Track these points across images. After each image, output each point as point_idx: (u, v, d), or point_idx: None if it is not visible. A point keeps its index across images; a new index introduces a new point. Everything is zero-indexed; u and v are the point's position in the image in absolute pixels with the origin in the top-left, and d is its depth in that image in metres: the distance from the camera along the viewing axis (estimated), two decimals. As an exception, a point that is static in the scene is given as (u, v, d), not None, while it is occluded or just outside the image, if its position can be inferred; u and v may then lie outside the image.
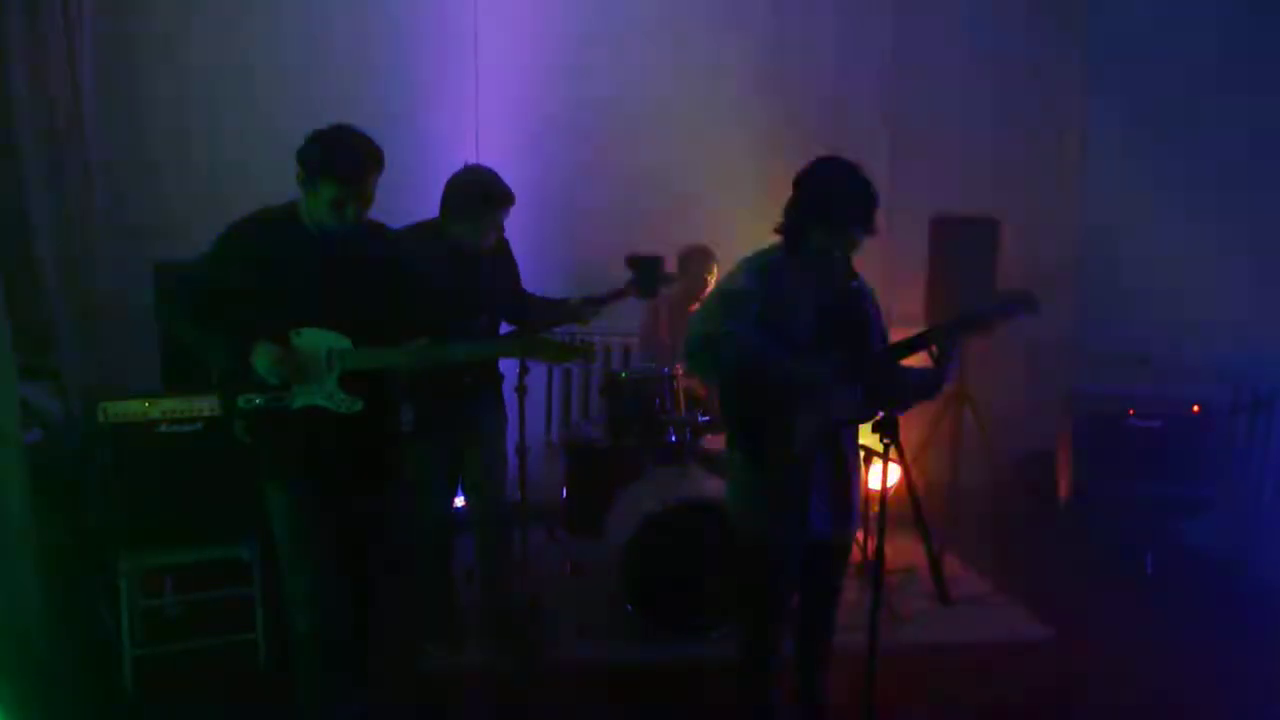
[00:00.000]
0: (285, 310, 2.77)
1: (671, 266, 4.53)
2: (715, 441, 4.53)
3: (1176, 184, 5.18)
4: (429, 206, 3.62)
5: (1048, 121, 5.79)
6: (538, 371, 4.67)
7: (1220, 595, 4.58)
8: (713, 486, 4.03)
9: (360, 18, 5.07)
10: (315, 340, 2.79)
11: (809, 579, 3.03)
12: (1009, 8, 5.68)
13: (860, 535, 4.22)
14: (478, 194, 3.53)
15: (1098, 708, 3.69)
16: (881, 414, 2.65)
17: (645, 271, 3.99)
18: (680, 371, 4.36)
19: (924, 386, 2.89)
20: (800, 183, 2.83)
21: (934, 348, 2.85)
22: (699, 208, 5.25)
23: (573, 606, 4.33)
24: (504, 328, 3.82)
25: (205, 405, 3.64)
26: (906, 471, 2.61)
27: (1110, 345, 5.40)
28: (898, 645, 3.86)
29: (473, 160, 3.86)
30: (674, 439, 4.36)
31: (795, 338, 2.77)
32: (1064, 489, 5.28)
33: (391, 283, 2.90)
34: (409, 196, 3.55)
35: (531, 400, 4.25)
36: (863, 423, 2.86)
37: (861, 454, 3.09)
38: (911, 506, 2.53)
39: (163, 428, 3.65)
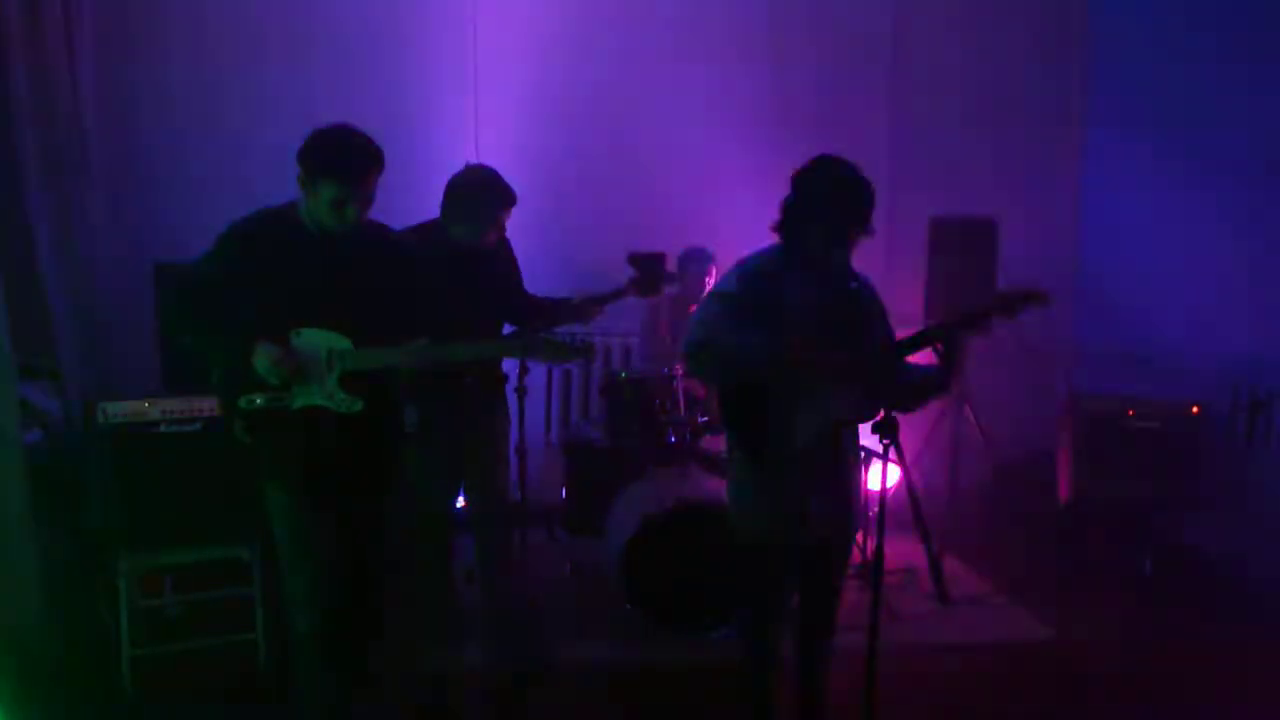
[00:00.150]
0: (285, 310, 2.76)
1: (671, 267, 4.53)
2: (715, 441, 4.54)
3: (1177, 184, 5.18)
4: (427, 207, 3.61)
5: (1048, 122, 5.79)
6: (538, 371, 4.67)
7: (1220, 595, 4.58)
8: (713, 486, 4.03)
9: (360, 16, 5.07)
10: (315, 340, 2.78)
11: (809, 579, 3.03)
12: (1010, 8, 5.69)
13: (860, 536, 4.22)
14: (479, 194, 3.53)
15: (1098, 708, 3.69)
16: (883, 413, 2.65)
17: (647, 269, 3.99)
18: (680, 371, 4.36)
19: (931, 383, 2.88)
20: (798, 182, 2.83)
21: (940, 344, 2.84)
22: (699, 208, 5.25)
23: (573, 606, 4.33)
24: (506, 329, 3.81)
25: (205, 405, 3.64)
26: (906, 472, 2.61)
27: (1110, 345, 5.41)
28: (898, 645, 3.85)
29: (473, 161, 3.86)
30: (674, 439, 4.36)
31: (790, 338, 2.77)
32: (1064, 489, 5.28)
33: (391, 283, 2.90)
34: (408, 197, 3.55)
35: (531, 400, 4.25)
36: (863, 422, 2.86)
37: (861, 454, 3.09)
38: (911, 507, 2.54)
39: (162, 428, 3.64)
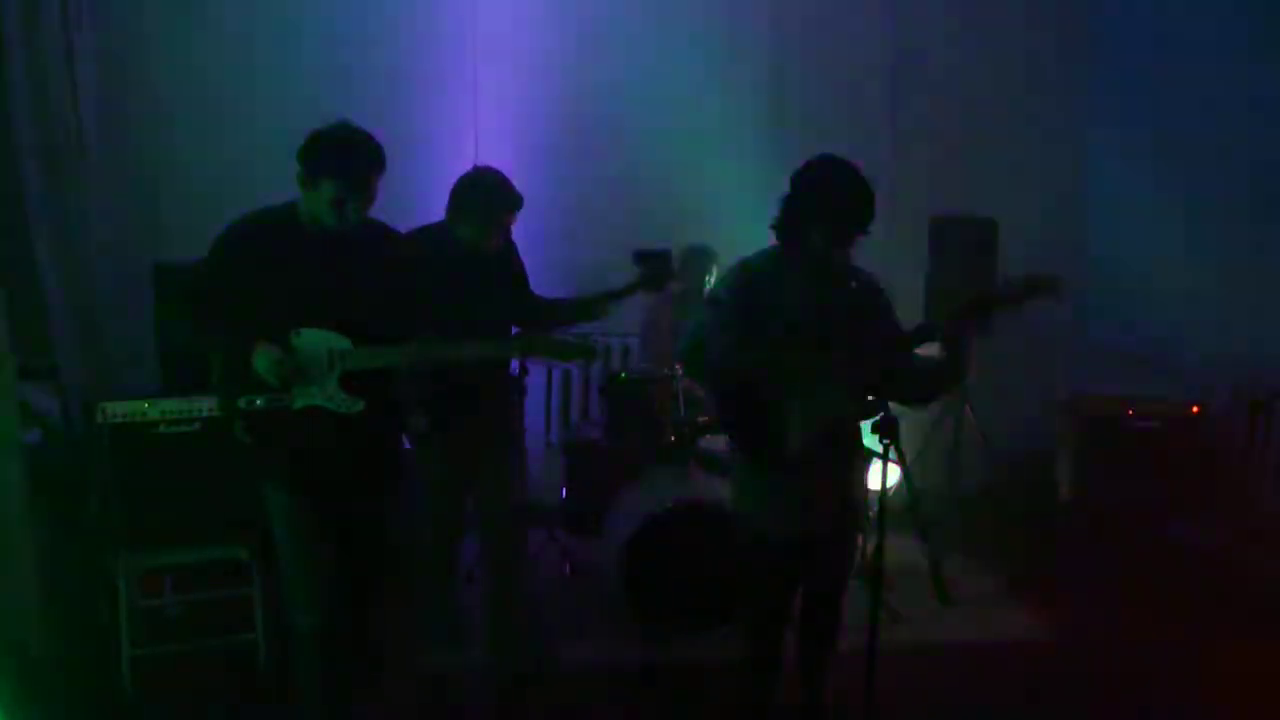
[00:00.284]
0: (285, 311, 2.76)
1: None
2: (715, 441, 4.53)
3: (1177, 184, 5.18)
4: (427, 207, 3.61)
5: (1048, 121, 5.78)
6: (538, 372, 4.67)
7: (1220, 595, 4.57)
8: (713, 486, 4.03)
9: (359, 19, 5.07)
10: (315, 341, 2.78)
11: (810, 579, 3.03)
12: (1010, 7, 5.68)
13: (860, 536, 4.22)
14: (486, 196, 3.51)
15: (1098, 708, 3.68)
16: (883, 413, 2.64)
17: (653, 266, 3.99)
18: (680, 371, 4.36)
19: (941, 376, 2.88)
20: (797, 182, 2.83)
21: (946, 337, 2.84)
22: (699, 207, 5.25)
23: (573, 606, 4.33)
24: (514, 331, 3.80)
25: (205, 405, 3.63)
26: (906, 472, 2.61)
27: (1110, 345, 5.40)
28: (898, 645, 3.85)
29: (472, 162, 3.85)
30: (674, 439, 4.36)
31: (788, 339, 2.77)
32: (1064, 489, 5.28)
33: (392, 282, 2.89)
34: (407, 197, 3.54)
35: (531, 400, 4.25)
36: (864, 420, 2.85)
37: (862, 455, 3.09)
38: (911, 507, 2.54)
39: (162, 428, 3.64)
